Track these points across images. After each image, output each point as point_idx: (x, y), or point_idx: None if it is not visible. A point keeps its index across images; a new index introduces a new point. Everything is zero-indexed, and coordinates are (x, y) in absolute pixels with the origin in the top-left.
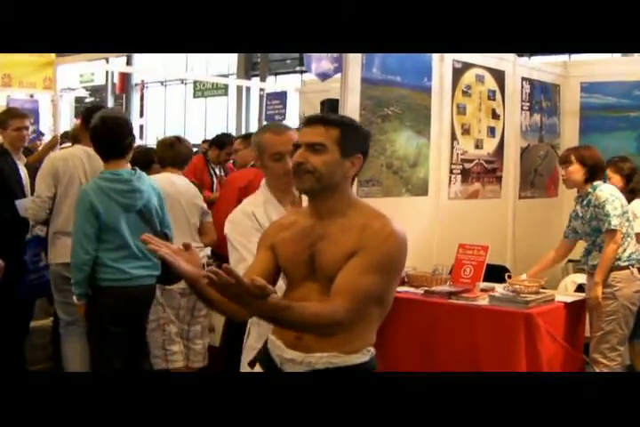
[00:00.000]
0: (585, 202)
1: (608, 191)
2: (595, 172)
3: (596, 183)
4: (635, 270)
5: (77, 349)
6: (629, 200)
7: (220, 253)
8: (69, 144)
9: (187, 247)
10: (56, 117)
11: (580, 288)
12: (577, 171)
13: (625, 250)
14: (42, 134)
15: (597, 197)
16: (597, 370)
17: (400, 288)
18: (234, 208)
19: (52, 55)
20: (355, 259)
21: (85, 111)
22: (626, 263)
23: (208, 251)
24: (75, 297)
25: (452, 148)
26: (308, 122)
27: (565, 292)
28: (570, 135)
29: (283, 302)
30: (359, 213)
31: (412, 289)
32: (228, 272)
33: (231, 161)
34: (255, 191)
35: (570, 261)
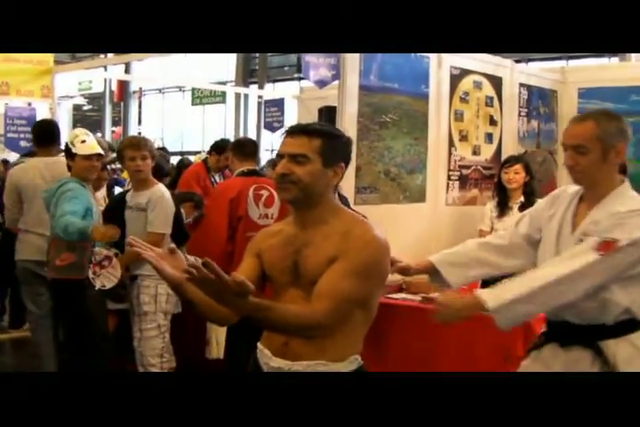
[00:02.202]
0: None
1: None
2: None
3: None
4: None
5: (50, 337)
6: None
7: None
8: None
9: (172, 251)
10: None
11: None
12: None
13: None
14: None
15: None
16: None
17: (397, 295)
18: (225, 221)
19: (51, 63)
20: (336, 264)
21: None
22: None
23: (199, 262)
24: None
25: (450, 154)
26: (291, 132)
27: None
28: None
29: (264, 303)
30: (341, 221)
31: (409, 296)
32: (208, 267)
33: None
34: (245, 202)
35: None
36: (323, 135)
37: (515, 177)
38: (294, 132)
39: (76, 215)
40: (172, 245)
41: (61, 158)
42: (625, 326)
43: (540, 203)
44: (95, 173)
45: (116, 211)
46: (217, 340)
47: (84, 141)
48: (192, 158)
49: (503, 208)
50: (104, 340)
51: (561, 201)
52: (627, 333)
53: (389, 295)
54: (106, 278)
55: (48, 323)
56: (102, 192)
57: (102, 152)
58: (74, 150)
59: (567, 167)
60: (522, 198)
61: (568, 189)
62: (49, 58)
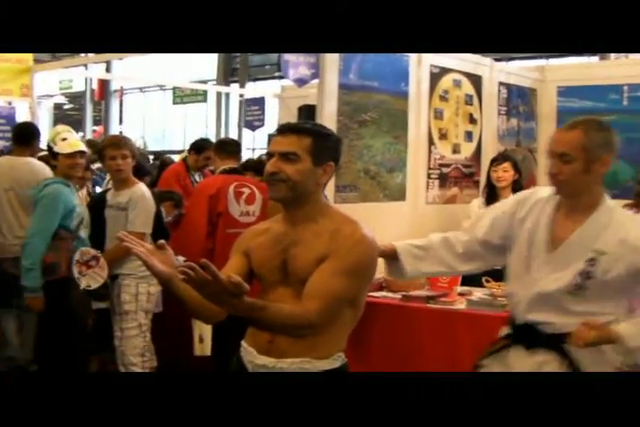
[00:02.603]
0: None
1: None
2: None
3: None
4: None
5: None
6: None
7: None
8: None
9: (161, 247)
10: None
11: None
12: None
13: None
14: None
15: None
16: None
17: (378, 293)
18: (205, 217)
19: (30, 62)
20: (325, 263)
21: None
22: None
23: (181, 259)
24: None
25: (430, 153)
26: (281, 131)
27: None
28: (547, 139)
29: (258, 302)
30: (330, 219)
31: (389, 294)
32: (205, 268)
33: (211, 167)
34: (225, 199)
35: None
36: (313, 134)
37: (503, 175)
38: (284, 130)
39: (44, 237)
40: (162, 241)
41: (33, 160)
42: None
43: (505, 205)
44: (80, 171)
45: (96, 210)
46: (203, 337)
47: (64, 139)
48: (175, 158)
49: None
50: (85, 340)
51: (530, 206)
52: None
53: (370, 293)
54: (92, 279)
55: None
56: (83, 191)
57: (85, 149)
58: (55, 149)
59: (550, 175)
60: (511, 196)
61: (536, 193)
62: (28, 56)
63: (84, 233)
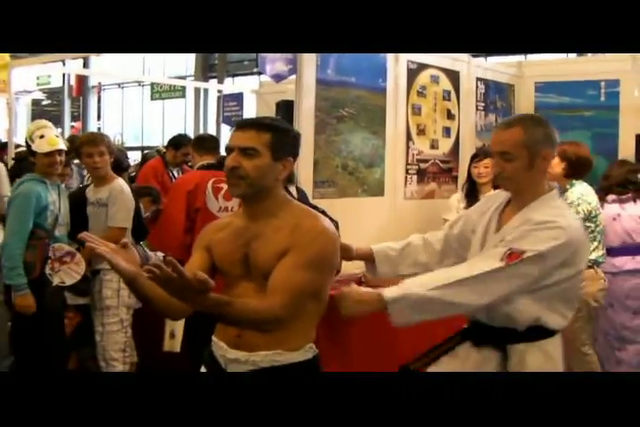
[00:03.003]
0: (563, 198)
1: (577, 193)
2: (575, 168)
3: (575, 181)
4: (598, 270)
5: None
6: None
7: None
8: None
9: (124, 246)
10: (11, 121)
11: None
12: (556, 165)
13: (590, 252)
14: None
15: (566, 198)
16: (575, 368)
17: None
18: (183, 212)
19: (7, 58)
20: (287, 257)
21: None
22: (590, 263)
23: (160, 255)
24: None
25: (408, 148)
26: (240, 126)
27: None
28: None
29: (224, 298)
30: (291, 213)
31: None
32: (170, 265)
33: (189, 163)
34: (203, 194)
35: None
36: (272, 129)
37: (484, 171)
38: (243, 125)
39: (21, 237)
40: (125, 240)
41: None
42: (536, 333)
43: (477, 203)
44: (59, 169)
45: (75, 206)
46: (174, 333)
47: (42, 136)
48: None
49: (471, 200)
50: (60, 338)
51: (493, 202)
52: (537, 339)
53: None
54: (67, 275)
55: None
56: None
57: (63, 147)
58: (33, 147)
59: (494, 174)
60: (492, 192)
61: (497, 194)
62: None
63: (60, 231)
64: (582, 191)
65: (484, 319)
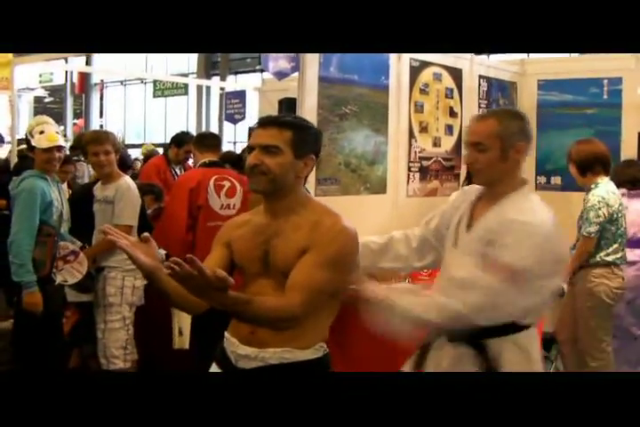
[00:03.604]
0: (585, 198)
1: (598, 196)
2: (585, 166)
3: (599, 180)
4: (615, 268)
5: None
6: None
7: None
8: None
9: (145, 240)
10: (14, 118)
11: None
12: (571, 167)
13: (608, 253)
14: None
15: (587, 200)
16: (591, 363)
17: None
18: (185, 210)
19: (10, 55)
20: (307, 255)
21: None
22: (609, 259)
23: (162, 252)
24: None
25: (410, 146)
26: (262, 124)
27: None
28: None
29: (243, 296)
30: (311, 211)
31: None
32: (190, 263)
33: (191, 161)
34: (205, 192)
35: None
36: (293, 127)
37: None
38: (265, 123)
39: (29, 233)
40: (146, 234)
41: None
42: (508, 328)
43: (452, 198)
44: (56, 165)
45: (82, 203)
46: (181, 330)
47: (42, 132)
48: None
49: None
50: (59, 336)
51: (468, 196)
52: (511, 333)
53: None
54: (69, 273)
55: None
56: (64, 185)
57: (62, 143)
58: (32, 143)
59: (467, 165)
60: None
61: (469, 188)
62: None
63: (63, 228)
64: (604, 194)
65: None
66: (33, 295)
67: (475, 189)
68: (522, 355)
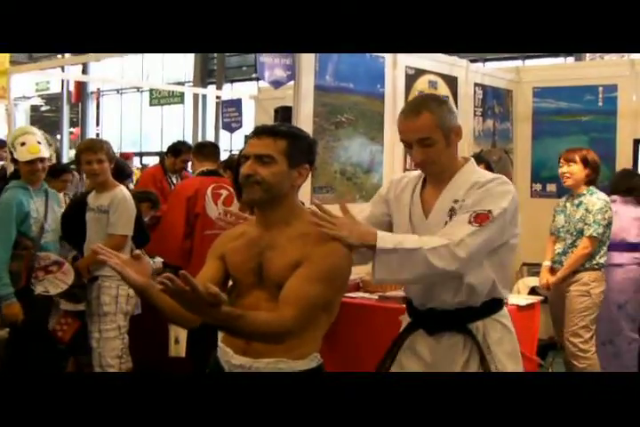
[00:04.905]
0: (577, 202)
1: (604, 200)
2: (596, 174)
3: (592, 188)
4: (603, 271)
5: None
6: None
7: (170, 264)
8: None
9: (137, 257)
10: (10, 127)
11: (532, 291)
12: (580, 171)
13: (601, 256)
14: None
15: (593, 204)
16: (575, 362)
17: (354, 294)
18: (182, 218)
19: (6, 64)
20: (301, 269)
21: None
22: (598, 266)
23: (159, 261)
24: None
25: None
26: (256, 133)
27: (518, 295)
28: (522, 140)
29: (235, 311)
30: (304, 222)
31: (366, 295)
32: (183, 279)
33: (190, 170)
34: (203, 200)
35: (524, 264)
36: (288, 136)
37: None
38: (260, 133)
39: (5, 247)
40: (138, 251)
41: None
42: (490, 307)
43: (380, 193)
44: (41, 176)
45: (76, 213)
46: (178, 338)
47: (23, 144)
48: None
49: None
50: (46, 345)
51: (403, 186)
52: (493, 313)
53: (347, 294)
54: (51, 284)
55: None
56: (60, 195)
57: (44, 155)
58: (15, 155)
59: (417, 163)
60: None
61: (409, 174)
62: (4, 58)
63: (47, 238)
64: (606, 199)
65: (438, 304)
66: (11, 307)
67: (408, 178)
68: (505, 331)
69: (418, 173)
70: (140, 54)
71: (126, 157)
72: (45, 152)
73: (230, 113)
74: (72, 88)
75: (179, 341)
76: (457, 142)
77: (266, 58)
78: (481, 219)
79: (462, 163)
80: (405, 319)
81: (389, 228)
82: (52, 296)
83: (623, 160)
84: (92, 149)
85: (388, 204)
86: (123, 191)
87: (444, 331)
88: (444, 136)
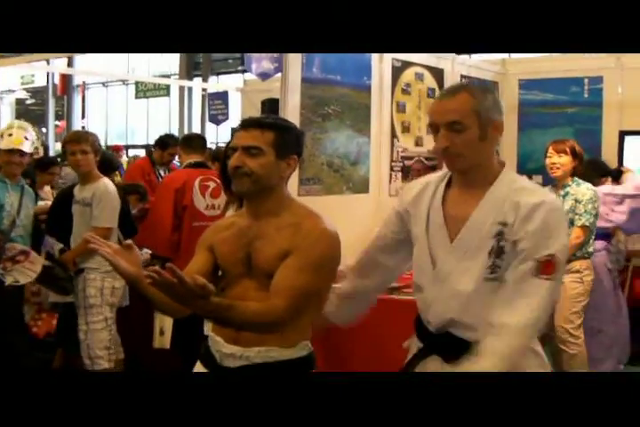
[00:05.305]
0: (563, 193)
1: (592, 190)
2: (580, 166)
3: (576, 178)
4: (590, 260)
5: None
6: None
7: (158, 256)
8: None
9: (127, 247)
10: None
11: None
12: (569, 162)
13: (590, 245)
14: None
15: (583, 194)
16: (565, 348)
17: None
18: (170, 210)
19: None
20: (290, 259)
21: None
22: (587, 255)
23: (147, 252)
24: None
25: (393, 145)
26: (244, 125)
27: None
28: (508, 132)
29: (225, 302)
30: (293, 213)
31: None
32: (170, 272)
33: (177, 162)
34: (191, 192)
35: None
36: (275, 128)
37: None
38: (247, 125)
39: None
40: (129, 241)
41: None
42: None
43: (393, 204)
44: (17, 169)
45: (63, 205)
46: (163, 330)
47: (10, 135)
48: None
49: None
50: (19, 337)
51: (417, 192)
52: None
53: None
54: (21, 274)
55: None
56: (47, 188)
57: (25, 149)
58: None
59: (439, 151)
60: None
61: (422, 179)
62: None
63: (17, 233)
64: (594, 189)
65: (462, 333)
66: None
67: (432, 182)
68: (537, 360)
69: (441, 173)
70: None
71: (116, 149)
72: (27, 147)
73: (216, 105)
74: (57, 81)
75: (163, 332)
76: (495, 140)
77: None
78: (548, 268)
79: (499, 168)
80: (414, 344)
81: (397, 247)
82: (23, 286)
83: (608, 151)
84: (76, 140)
85: (403, 218)
86: (106, 183)
87: (465, 357)
88: (480, 126)
